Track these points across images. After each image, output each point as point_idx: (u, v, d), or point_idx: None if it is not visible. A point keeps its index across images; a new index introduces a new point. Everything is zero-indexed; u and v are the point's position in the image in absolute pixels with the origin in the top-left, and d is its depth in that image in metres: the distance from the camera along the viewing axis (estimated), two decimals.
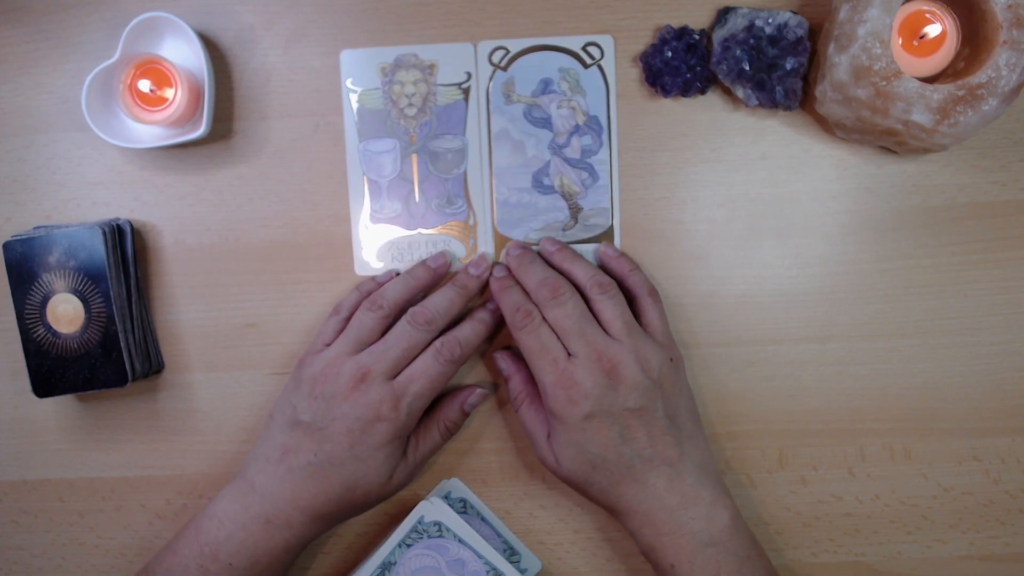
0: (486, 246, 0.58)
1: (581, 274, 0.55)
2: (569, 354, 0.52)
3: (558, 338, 0.53)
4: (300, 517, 0.53)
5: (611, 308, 0.53)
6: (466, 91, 0.58)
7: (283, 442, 0.53)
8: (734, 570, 0.51)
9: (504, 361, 0.57)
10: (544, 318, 0.53)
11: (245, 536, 0.52)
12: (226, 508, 0.53)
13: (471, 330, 0.56)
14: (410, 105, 0.58)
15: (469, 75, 0.58)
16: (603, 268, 0.57)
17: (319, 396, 0.53)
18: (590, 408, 0.51)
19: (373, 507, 0.57)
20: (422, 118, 0.58)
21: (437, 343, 0.54)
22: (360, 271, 0.59)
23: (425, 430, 0.56)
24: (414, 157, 0.58)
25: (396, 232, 0.59)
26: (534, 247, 0.58)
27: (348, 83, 0.58)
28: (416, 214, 0.59)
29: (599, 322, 0.53)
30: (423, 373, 0.53)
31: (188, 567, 0.52)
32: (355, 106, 0.58)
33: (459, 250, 0.59)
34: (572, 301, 0.53)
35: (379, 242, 0.59)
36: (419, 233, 0.59)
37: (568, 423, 0.51)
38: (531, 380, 0.56)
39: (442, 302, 0.55)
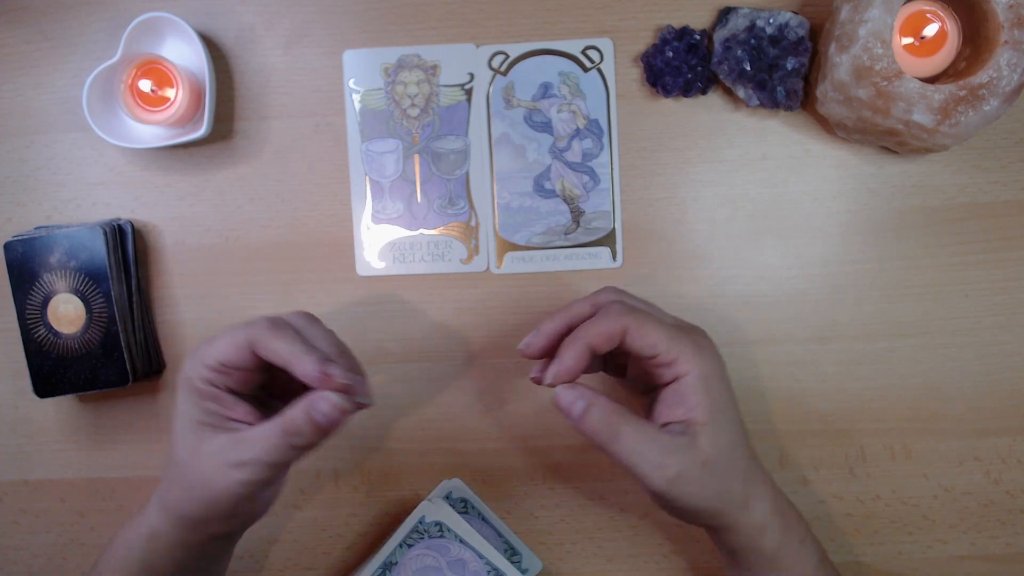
0: (488, 248, 0.58)
1: (580, 312, 0.49)
2: None
3: None
4: (152, 502, 0.49)
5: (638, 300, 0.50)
6: (469, 92, 0.58)
7: None
8: (816, 540, 0.50)
9: (573, 392, 0.46)
10: None
11: (120, 528, 0.50)
12: None
13: (316, 331, 0.49)
14: (413, 106, 0.58)
15: (472, 76, 0.58)
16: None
17: None
18: (722, 361, 0.47)
19: (203, 502, 0.46)
20: (425, 119, 0.58)
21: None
22: (362, 271, 0.59)
23: (266, 422, 0.46)
24: (416, 157, 0.58)
25: (398, 232, 0.59)
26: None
27: (350, 83, 0.58)
28: (418, 215, 0.59)
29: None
30: (227, 329, 0.47)
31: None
32: (357, 106, 0.58)
33: (460, 251, 0.59)
34: (627, 293, 0.50)
35: (381, 242, 0.59)
36: (421, 233, 0.59)
37: (722, 379, 0.47)
38: (614, 401, 0.46)
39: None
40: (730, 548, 0.49)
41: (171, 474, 0.47)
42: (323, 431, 0.45)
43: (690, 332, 0.47)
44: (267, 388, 0.50)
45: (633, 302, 0.49)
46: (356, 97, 0.58)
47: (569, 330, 0.48)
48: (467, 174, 0.58)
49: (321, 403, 0.45)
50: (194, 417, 0.46)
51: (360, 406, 0.47)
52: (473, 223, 0.59)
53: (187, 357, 0.47)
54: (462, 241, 0.59)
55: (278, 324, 0.46)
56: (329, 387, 0.45)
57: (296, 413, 0.45)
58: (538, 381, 0.48)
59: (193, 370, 0.46)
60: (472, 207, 0.58)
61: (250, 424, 0.47)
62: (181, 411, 0.46)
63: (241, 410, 0.47)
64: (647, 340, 0.45)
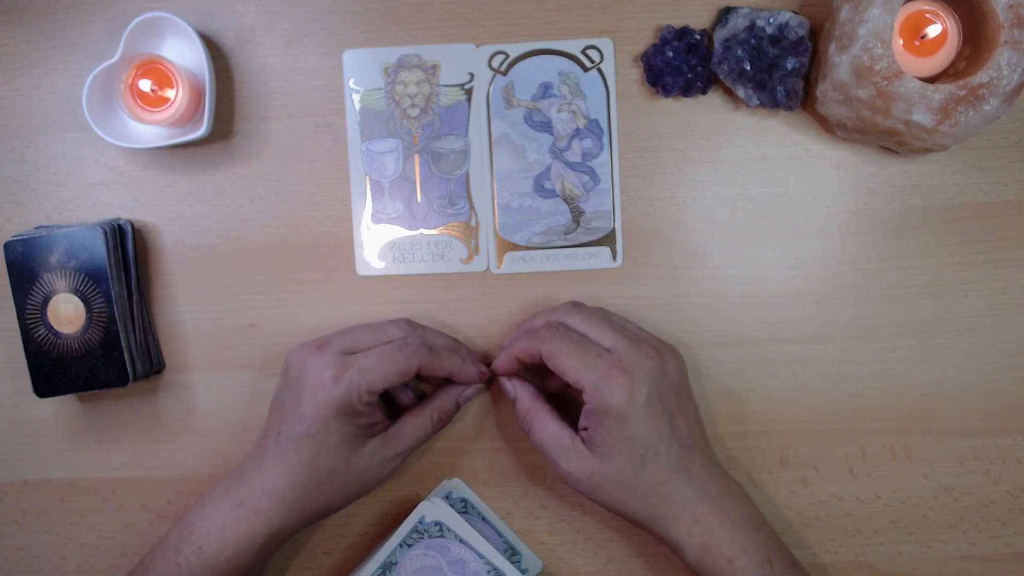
0: (488, 248, 0.59)
1: (527, 334, 0.54)
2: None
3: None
4: (267, 502, 0.51)
5: (601, 318, 0.53)
6: (469, 92, 0.58)
7: (265, 425, 0.54)
8: (776, 549, 0.51)
9: (509, 383, 0.56)
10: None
11: (217, 518, 0.52)
12: (213, 491, 0.53)
13: (444, 340, 0.57)
14: (413, 106, 0.58)
15: (472, 76, 0.58)
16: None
17: (285, 371, 0.54)
18: (646, 393, 0.49)
19: (353, 494, 0.54)
20: (425, 118, 0.58)
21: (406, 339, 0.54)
22: (362, 271, 0.59)
23: (414, 416, 0.55)
24: (416, 157, 0.58)
25: (398, 232, 0.59)
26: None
27: (350, 83, 0.58)
28: (418, 214, 0.59)
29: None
30: (379, 353, 0.52)
31: (167, 548, 0.52)
32: (357, 106, 0.58)
33: (460, 251, 0.59)
34: (586, 308, 0.54)
35: (381, 242, 0.59)
36: (421, 233, 0.59)
37: (626, 412, 0.49)
38: (538, 397, 0.55)
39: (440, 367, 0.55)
40: None
41: (311, 482, 0.52)
42: (458, 410, 0.58)
43: (611, 363, 0.50)
44: None
45: (575, 322, 0.53)
46: (356, 97, 0.58)
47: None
48: (467, 174, 0.58)
49: (468, 391, 0.57)
50: (350, 433, 0.52)
51: None
52: (473, 223, 0.58)
53: (335, 384, 0.51)
54: (462, 241, 0.59)
55: (430, 345, 0.54)
56: (482, 380, 0.57)
57: (448, 404, 0.56)
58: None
59: (354, 396, 0.51)
60: (472, 207, 0.58)
61: (379, 422, 0.54)
62: (333, 431, 0.51)
63: (379, 415, 0.54)
64: (557, 367, 0.51)
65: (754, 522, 0.51)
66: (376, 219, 0.59)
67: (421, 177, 0.59)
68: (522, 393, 0.55)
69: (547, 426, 0.53)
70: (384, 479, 0.55)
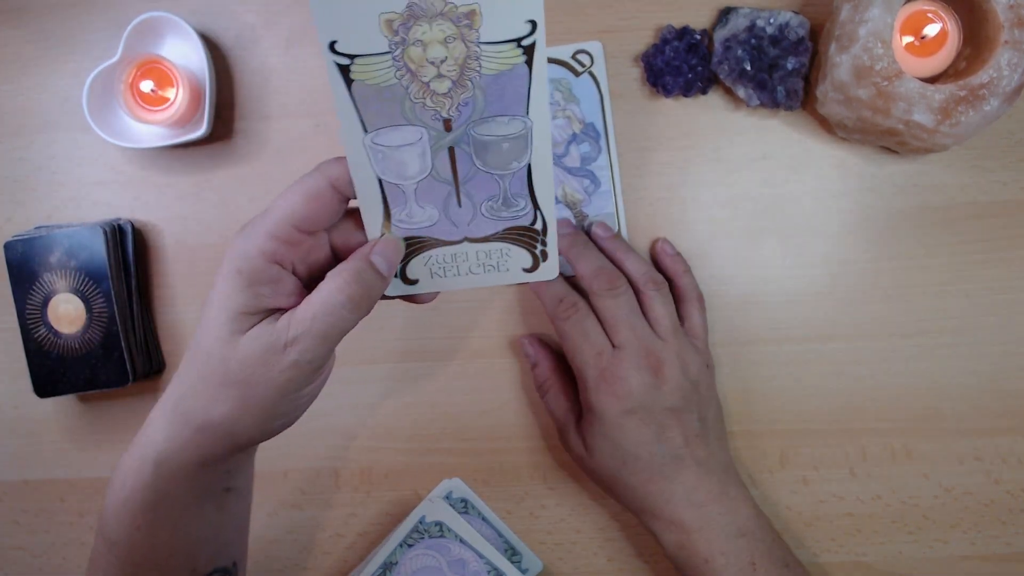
0: (555, 255, 0.45)
1: (634, 267, 0.55)
2: (614, 346, 0.52)
3: (602, 330, 0.53)
4: (156, 420, 0.42)
5: (661, 306, 0.53)
6: (529, 49, 0.38)
7: None
8: (765, 553, 0.51)
9: (532, 346, 0.57)
10: (591, 308, 0.53)
11: (124, 457, 0.43)
12: None
13: None
14: (440, 76, 0.38)
15: (534, 24, 0.37)
16: (654, 263, 0.58)
17: None
18: (632, 404, 0.51)
19: (235, 405, 0.40)
20: (461, 94, 0.39)
21: None
22: (390, 291, 0.45)
23: (316, 291, 0.40)
24: (451, 149, 0.41)
25: (432, 244, 0.44)
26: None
27: (333, 47, 0.37)
28: (460, 221, 0.43)
29: (646, 318, 0.53)
30: (286, 189, 0.42)
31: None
32: (350, 82, 0.38)
33: (523, 259, 0.45)
34: (626, 295, 0.53)
35: (411, 257, 0.44)
36: (465, 242, 0.44)
37: (607, 418, 0.51)
38: (559, 368, 0.57)
39: None
40: None
41: (195, 376, 0.40)
42: (384, 282, 0.41)
43: (608, 365, 0.51)
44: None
45: (609, 303, 0.53)
46: (344, 69, 0.38)
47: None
48: (528, 166, 0.42)
49: (381, 245, 0.41)
50: (237, 307, 0.39)
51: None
52: (538, 225, 0.44)
53: (237, 236, 0.40)
54: (524, 248, 0.44)
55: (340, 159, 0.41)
56: None
57: (358, 263, 0.41)
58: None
59: (251, 245, 0.39)
60: (536, 206, 0.43)
61: (289, 306, 0.40)
62: (224, 299, 0.39)
63: (292, 291, 0.41)
64: (564, 347, 0.54)
65: (740, 528, 0.51)
66: (399, 230, 0.43)
67: (461, 175, 0.42)
68: (543, 362, 0.57)
69: (559, 401, 0.56)
70: (282, 389, 0.39)
